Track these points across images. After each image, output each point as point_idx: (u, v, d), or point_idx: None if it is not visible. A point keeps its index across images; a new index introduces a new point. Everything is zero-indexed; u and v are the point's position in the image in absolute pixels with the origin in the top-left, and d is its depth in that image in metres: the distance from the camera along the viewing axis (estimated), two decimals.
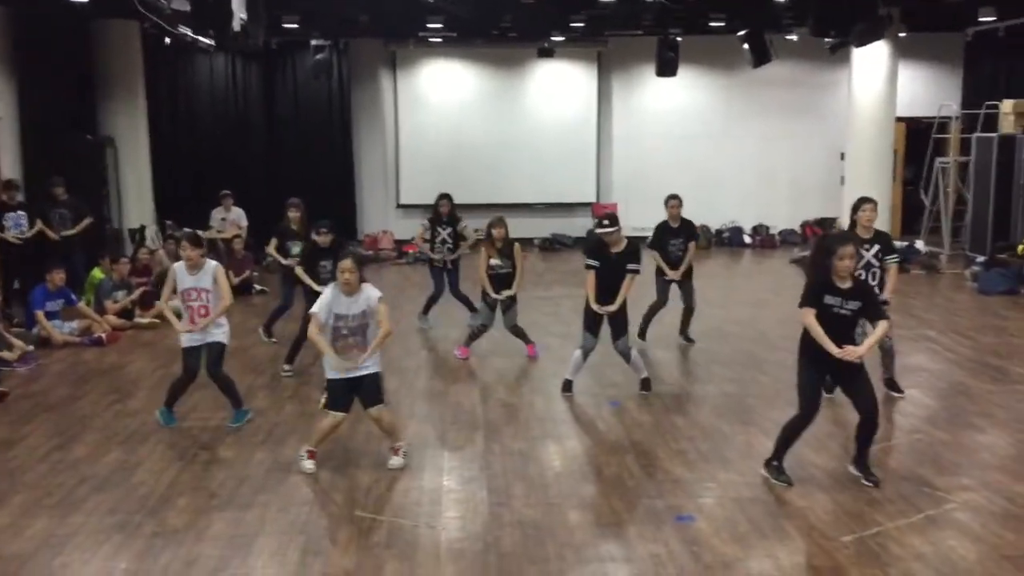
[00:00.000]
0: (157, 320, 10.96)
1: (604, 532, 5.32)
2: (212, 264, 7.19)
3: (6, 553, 5.09)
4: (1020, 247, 13.07)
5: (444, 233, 10.57)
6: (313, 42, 15.92)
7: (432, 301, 10.84)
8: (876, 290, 7.20)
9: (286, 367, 8.85)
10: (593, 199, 18.31)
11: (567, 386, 8.10)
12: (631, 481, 6.09)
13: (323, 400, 6.40)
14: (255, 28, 9.47)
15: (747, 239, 18.36)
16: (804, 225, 18.63)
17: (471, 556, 5.04)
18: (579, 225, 18.25)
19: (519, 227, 16.01)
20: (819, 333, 5.70)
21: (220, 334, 7.23)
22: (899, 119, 15.73)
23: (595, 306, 7.81)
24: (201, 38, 12.91)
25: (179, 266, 7.18)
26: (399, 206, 18.32)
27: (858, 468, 6.04)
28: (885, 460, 6.39)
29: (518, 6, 13.45)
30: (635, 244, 7.95)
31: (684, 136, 18.43)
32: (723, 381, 8.50)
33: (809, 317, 5.74)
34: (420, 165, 18.13)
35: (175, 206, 16.20)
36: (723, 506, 5.67)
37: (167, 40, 14.78)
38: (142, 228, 14.77)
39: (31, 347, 9.56)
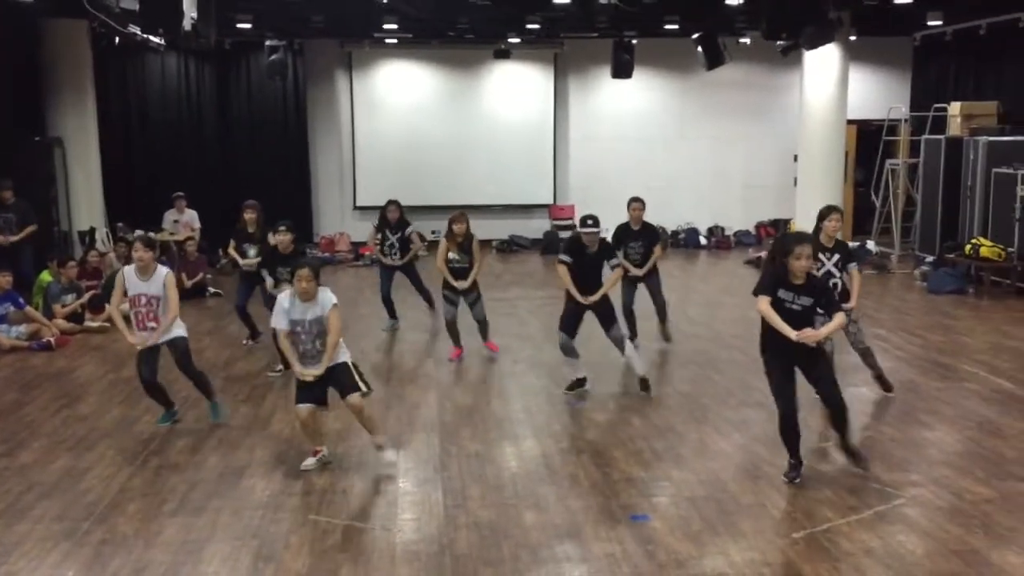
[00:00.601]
0: (107, 324, 10.78)
1: (560, 532, 5.33)
2: (164, 271, 7.07)
3: None
4: (967, 247, 13.32)
5: (393, 238, 10.58)
6: (267, 42, 15.77)
7: (386, 302, 10.80)
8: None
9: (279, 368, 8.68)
10: (550, 200, 18.37)
11: (579, 383, 8.15)
12: (586, 481, 6.11)
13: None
14: (206, 27, 9.34)
15: (703, 240, 18.52)
16: (759, 226, 18.85)
17: (426, 558, 5.02)
18: (536, 227, 18.30)
19: (477, 229, 15.98)
20: (773, 317, 5.78)
21: (178, 329, 7.15)
22: (850, 121, 15.96)
23: (580, 297, 7.85)
24: (151, 37, 12.71)
25: (129, 270, 7.06)
26: (356, 208, 18.20)
27: (845, 455, 6.15)
28: (834, 457, 6.47)
29: (474, 7, 13.43)
30: (607, 242, 8.12)
31: (640, 138, 18.55)
32: (679, 381, 8.56)
33: (764, 304, 5.82)
34: (377, 167, 18.04)
35: (126, 208, 15.95)
36: (677, 505, 5.71)
37: (117, 39, 14.53)
38: (92, 230, 14.51)
39: None
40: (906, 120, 16.38)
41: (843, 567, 4.86)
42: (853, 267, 7.49)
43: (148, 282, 6.96)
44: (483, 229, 16.67)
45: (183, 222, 14.70)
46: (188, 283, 13.00)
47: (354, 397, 6.18)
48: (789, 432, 5.99)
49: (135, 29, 11.53)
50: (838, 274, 7.42)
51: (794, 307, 5.84)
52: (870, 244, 15.91)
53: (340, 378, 6.21)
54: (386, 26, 14.72)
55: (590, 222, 7.85)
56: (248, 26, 14.09)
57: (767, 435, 6.92)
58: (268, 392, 8.23)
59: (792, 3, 12.42)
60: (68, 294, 10.90)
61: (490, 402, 7.98)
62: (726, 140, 18.64)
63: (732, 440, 6.87)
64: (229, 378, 8.76)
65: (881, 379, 8.00)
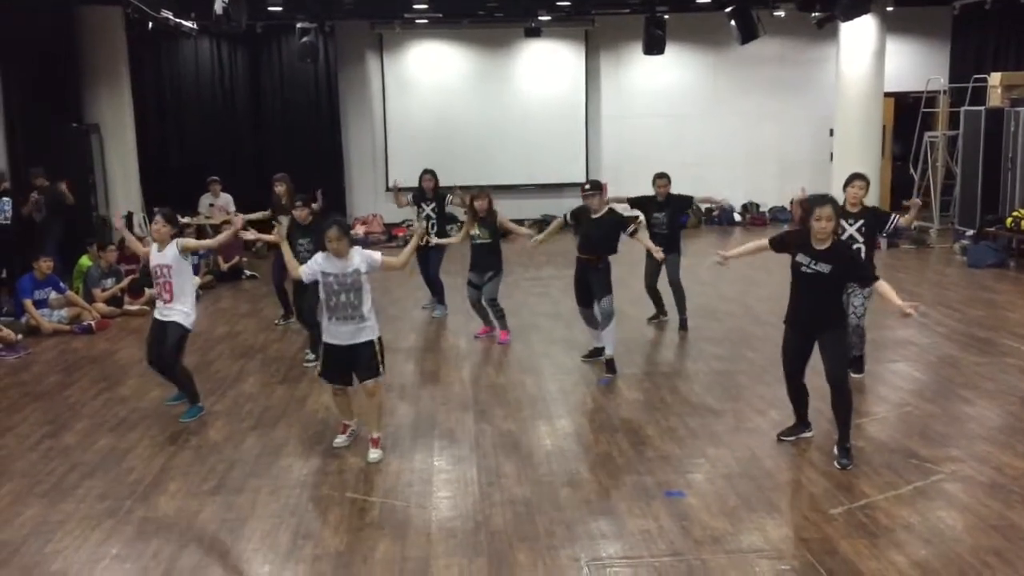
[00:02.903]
0: (146, 307, 10.94)
1: (594, 509, 5.34)
2: (175, 240, 7.00)
3: None
4: (1009, 220, 13.09)
5: (428, 209, 10.38)
6: (299, 25, 15.81)
7: (430, 285, 10.66)
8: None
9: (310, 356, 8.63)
10: (582, 179, 18.24)
11: (597, 352, 8.34)
12: (621, 458, 6.11)
13: (316, 366, 6.25)
14: (237, 11, 9.40)
15: (737, 217, 18.36)
16: (793, 202, 18.63)
17: (462, 535, 5.06)
18: (568, 205, 17.88)
19: (509, 208, 15.99)
20: (746, 246, 6.35)
21: (178, 314, 6.93)
22: (887, 94, 15.70)
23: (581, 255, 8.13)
24: (184, 22, 12.80)
25: (154, 246, 7.10)
26: (388, 189, 18.24)
27: (837, 448, 5.96)
28: (872, 433, 6.42)
29: None
30: (618, 214, 8.14)
31: (673, 114, 18.39)
32: (712, 359, 8.52)
33: (758, 242, 6.27)
34: (408, 147, 18.05)
35: (162, 193, 16.08)
36: (712, 481, 5.70)
37: (150, 25, 14.65)
38: (129, 215, 14.68)
39: (20, 336, 9.53)
40: (945, 92, 16.09)
41: (881, 543, 4.83)
42: (881, 235, 7.54)
43: (164, 254, 6.91)
44: (515, 208, 16.74)
45: (218, 206, 14.83)
46: (224, 266, 13.15)
47: (370, 383, 6.14)
48: (794, 391, 6.20)
49: (168, 14, 11.61)
50: (861, 239, 7.28)
51: (808, 271, 5.83)
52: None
53: (362, 359, 6.11)
54: (416, 6, 14.73)
55: (587, 186, 8.16)
56: (279, 8, 14.17)
57: None
58: (304, 373, 8.31)
59: None
60: (108, 278, 11.06)
61: (524, 380, 7.99)
62: (760, 115, 18.41)
63: (768, 417, 6.83)
64: (266, 359, 8.86)
65: (857, 360, 7.69)
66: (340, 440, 6.41)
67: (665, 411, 7.04)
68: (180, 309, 6.94)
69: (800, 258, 5.84)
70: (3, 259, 11.71)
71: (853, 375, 7.58)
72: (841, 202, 7.13)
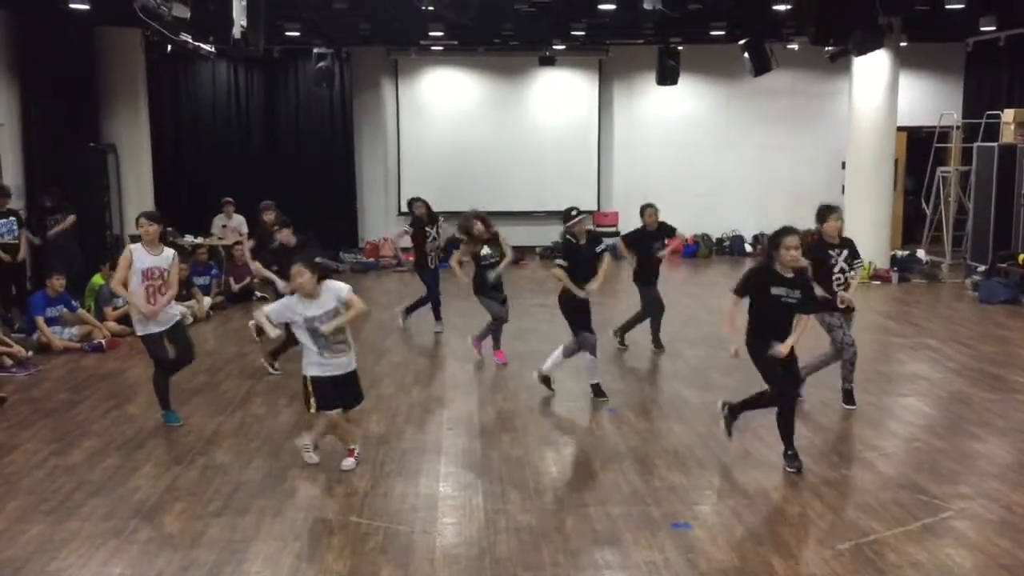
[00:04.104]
0: None
1: (600, 539, 5.31)
2: (171, 250, 7.39)
3: (1, 558, 5.09)
4: (1021, 256, 13.05)
5: (433, 231, 10.75)
6: (315, 50, 15.96)
7: (435, 304, 10.88)
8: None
9: (275, 365, 9.00)
10: (594, 207, 18.32)
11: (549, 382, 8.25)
12: (627, 488, 6.08)
13: (312, 403, 6.32)
14: (255, 36, 9.49)
15: (748, 248, 18.35)
16: (805, 234, 18.58)
17: (466, 562, 5.03)
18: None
19: (520, 235, 16.09)
20: (728, 313, 6.34)
21: (175, 313, 7.44)
22: (900, 128, 15.73)
23: (580, 292, 7.87)
24: (202, 45, 12.95)
25: (137, 246, 7.28)
26: (400, 213, 18.31)
27: (728, 417, 6.60)
28: (882, 467, 6.38)
29: (519, 15, 13.48)
30: (595, 233, 8.25)
31: (685, 144, 18.46)
32: (721, 389, 8.46)
33: (730, 301, 6.31)
34: (421, 173, 18.15)
35: (177, 213, 16.20)
36: (719, 513, 5.66)
37: (169, 48, 14.80)
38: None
39: (30, 352, 9.57)
40: (958, 127, 16.11)
41: None
42: (858, 264, 7.62)
43: (159, 256, 7.25)
44: (527, 235, 16.82)
45: (231, 227, 14.91)
46: (236, 287, 13.20)
47: (357, 409, 6.41)
48: (789, 413, 6.22)
49: (187, 37, 11.74)
50: (848, 269, 7.52)
51: (790, 300, 6.07)
52: (920, 253, 15.65)
53: (349, 390, 6.36)
54: (432, 33, 14.85)
55: (574, 212, 7.95)
56: (296, 34, 14.31)
57: (812, 445, 6.85)
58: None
59: (841, 8, 12.30)
60: (119, 297, 11.08)
61: (531, 407, 7.97)
62: (773, 147, 18.46)
63: (776, 449, 6.77)
64: (274, 381, 8.86)
65: (848, 395, 7.77)
66: (348, 463, 6.40)
67: (673, 441, 7.00)
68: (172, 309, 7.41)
69: (777, 291, 6.07)
70: (11, 277, 11.73)
71: (848, 407, 7.66)
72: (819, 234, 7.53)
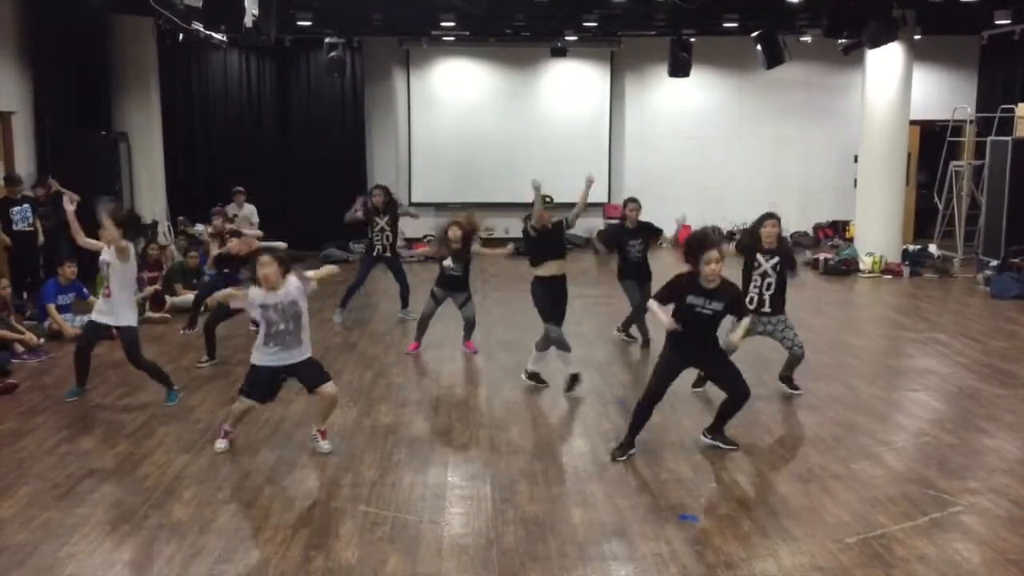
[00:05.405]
0: (167, 315, 11.07)
1: (607, 530, 5.32)
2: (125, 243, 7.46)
3: (12, 543, 5.13)
4: None
5: (382, 222, 10.86)
6: (327, 40, 15.96)
7: (352, 291, 11.05)
8: (761, 294, 7.56)
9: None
10: (605, 199, 18.28)
11: (575, 380, 8.10)
12: (635, 480, 6.08)
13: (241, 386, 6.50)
14: (267, 25, 9.51)
15: None
16: (817, 228, 18.57)
17: (473, 552, 5.05)
18: (590, 225, 18.21)
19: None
20: (657, 312, 6.24)
21: (127, 317, 7.56)
22: (913, 122, 15.63)
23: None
24: (214, 34, 12.97)
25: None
26: (411, 204, 18.30)
27: (715, 438, 6.55)
28: (891, 462, 6.37)
29: (531, 5, 13.45)
30: (559, 222, 8.42)
31: (696, 137, 18.40)
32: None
33: (654, 304, 6.31)
34: (432, 164, 18.15)
35: (188, 202, 16.28)
36: (727, 506, 5.66)
37: (181, 36, 14.84)
38: (154, 224, 14.83)
39: (42, 340, 9.63)
40: (971, 121, 16.01)
41: (896, 574, 4.78)
42: (790, 275, 7.65)
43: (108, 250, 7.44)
44: None
45: (242, 216, 14.91)
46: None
47: (329, 386, 6.41)
48: (647, 410, 6.32)
49: (198, 26, 11.76)
50: (773, 276, 7.55)
51: (704, 311, 6.07)
52: (932, 247, 15.58)
53: (309, 372, 6.41)
54: (444, 24, 14.83)
55: (547, 199, 8.27)
56: (308, 23, 14.30)
57: (819, 438, 6.85)
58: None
59: (855, 0, 12.23)
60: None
61: (539, 399, 7.98)
62: (784, 140, 18.39)
63: (783, 442, 6.80)
64: None
65: (787, 379, 7.96)
66: (221, 445, 6.52)
67: (681, 434, 7.00)
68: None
69: (692, 300, 6.07)
70: (26, 265, 11.81)
71: (791, 391, 7.88)
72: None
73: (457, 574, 4.80)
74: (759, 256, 7.57)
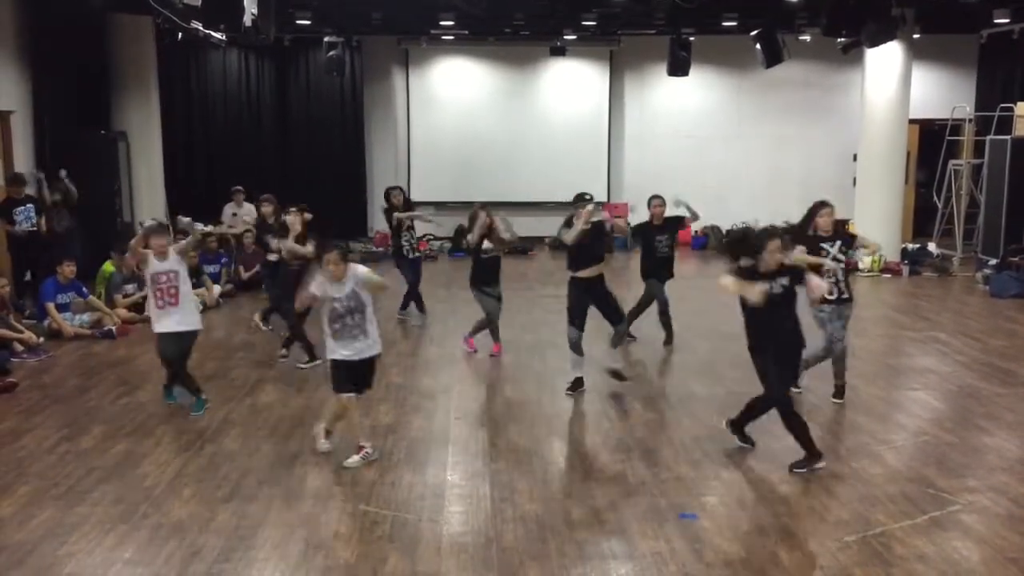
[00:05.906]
0: None
1: (606, 529, 5.32)
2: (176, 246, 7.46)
3: (12, 542, 5.13)
4: None
5: (408, 222, 10.85)
6: (326, 39, 15.95)
7: (412, 295, 11.08)
8: (838, 282, 7.47)
9: (283, 351, 9.19)
10: (604, 198, 18.26)
11: (579, 383, 8.06)
12: (634, 478, 6.09)
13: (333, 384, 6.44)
14: (266, 24, 9.50)
15: None
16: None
17: (472, 550, 5.05)
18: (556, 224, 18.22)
19: (529, 225, 16.05)
20: (740, 286, 5.96)
21: (195, 322, 7.52)
22: (912, 121, 15.63)
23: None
24: (213, 33, 12.96)
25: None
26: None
27: (735, 431, 6.60)
28: (890, 460, 6.37)
29: (530, 4, 13.44)
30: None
31: (696, 136, 18.40)
32: (730, 381, 8.46)
33: (727, 278, 6.03)
34: (432, 162, 18.15)
35: (187, 201, 16.27)
36: (726, 504, 5.67)
37: (180, 35, 14.82)
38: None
39: (41, 339, 9.63)
40: (970, 120, 16.00)
41: (896, 572, 4.78)
42: (854, 254, 7.58)
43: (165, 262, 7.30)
44: (536, 226, 16.76)
45: (241, 215, 14.93)
46: (245, 275, 13.23)
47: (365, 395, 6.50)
48: (792, 417, 6.15)
49: (198, 25, 11.75)
50: (843, 259, 7.53)
51: (775, 290, 5.97)
52: (931, 246, 15.58)
53: (371, 371, 6.47)
54: (443, 23, 14.83)
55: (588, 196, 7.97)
56: (307, 22, 14.29)
57: (820, 438, 6.82)
58: (320, 385, 8.33)
59: None
60: (129, 284, 11.15)
61: (540, 397, 7.98)
62: (784, 139, 18.39)
63: (783, 442, 6.77)
64: (283, 369, 8.89)
65: (840, 389, 7.76)
66: (353, 461, 6.32)
67: (681, 433, 7.01)
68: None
69: (760, 285, 5.95)
70: (28, 263, 11.82)
71: (836, 401, 7.71)
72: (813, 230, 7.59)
73: (456, 573, 4.80)
74: (824, 245, 7.46)
